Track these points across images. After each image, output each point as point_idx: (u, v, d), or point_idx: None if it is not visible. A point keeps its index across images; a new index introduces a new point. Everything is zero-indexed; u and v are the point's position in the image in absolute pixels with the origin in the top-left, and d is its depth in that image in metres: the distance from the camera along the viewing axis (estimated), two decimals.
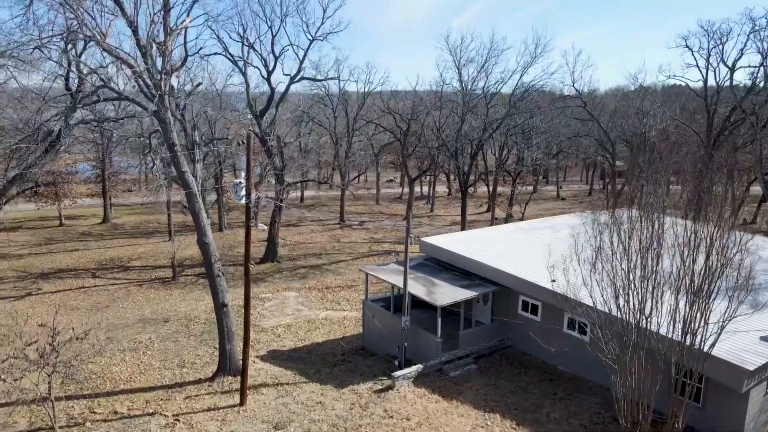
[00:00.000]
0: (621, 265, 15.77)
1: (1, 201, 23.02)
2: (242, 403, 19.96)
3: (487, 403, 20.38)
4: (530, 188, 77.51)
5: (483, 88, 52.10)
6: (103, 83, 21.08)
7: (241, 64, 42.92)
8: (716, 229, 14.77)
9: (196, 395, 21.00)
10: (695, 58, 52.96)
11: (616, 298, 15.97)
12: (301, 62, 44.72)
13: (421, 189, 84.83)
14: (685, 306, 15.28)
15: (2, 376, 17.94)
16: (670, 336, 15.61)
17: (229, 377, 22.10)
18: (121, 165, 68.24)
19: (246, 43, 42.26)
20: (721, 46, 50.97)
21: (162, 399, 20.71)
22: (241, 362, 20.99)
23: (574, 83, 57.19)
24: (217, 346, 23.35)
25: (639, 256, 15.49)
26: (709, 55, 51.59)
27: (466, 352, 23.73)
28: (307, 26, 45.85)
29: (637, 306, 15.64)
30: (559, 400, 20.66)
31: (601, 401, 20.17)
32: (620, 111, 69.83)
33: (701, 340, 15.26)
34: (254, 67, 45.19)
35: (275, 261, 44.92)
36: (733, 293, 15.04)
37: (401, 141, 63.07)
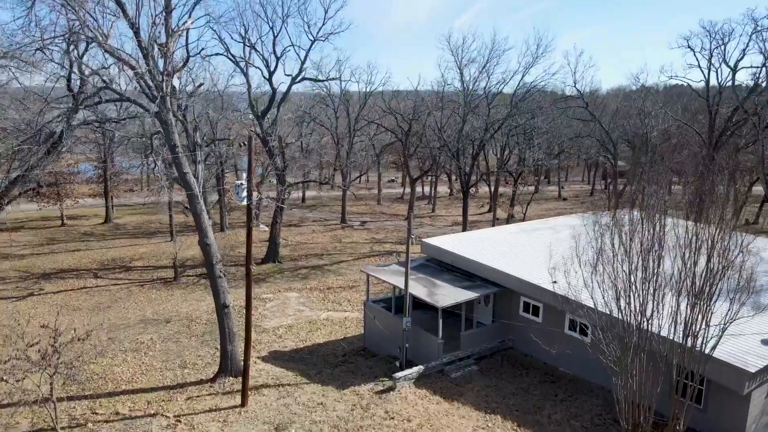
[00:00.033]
0: (622, 267, 15.76)
1: (4, 202, 23.07)
2: (243, 404, 19.98)
3: (488, 404, 20.39)
4: (532, 188, 77.48)
5: (484, 88, 52.16)
6: (104, 84, 21.13)
7: (242, 64, 43.02)
8: (717, 231, 14.75)
9: (198, 396, 21.03)
10: (697, 59, 52.90)
11: (618, 299, 15.96)
12: (303, 63, 44.84)
13: (423, 189, 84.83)
14: (687, 308, 15.27)
15: (4, 377, 17.99)
16: (671, 338, 15.60)
17: (231, 378, 22.13)
18: (123, 165, 68.39)
19: (247, 44, 42.36)
20: (723, 47, 50.99)
21: (163, 400, 20.75)
22: (242, 363, 21.01)
23: (575, 84, 57.24)
24: (219, 346, 23.39)
25: (640, 258, 15.48)
26: (711, 55, 51.59)
27: (468, 354, 23.73)
28: (309, 27, 46.41)
29: (638, 308, 15.62)
30: (560, 401, 20.66)
31: (602, 403, 20.16)
32: (622, 111, 69.80)
33: (702, 342, 15.24)
34: (256, 67, 45.25)
35: (277, 261, 44.95)
36: (734, 295, 15.02)
37: (403, 141, 63.08)
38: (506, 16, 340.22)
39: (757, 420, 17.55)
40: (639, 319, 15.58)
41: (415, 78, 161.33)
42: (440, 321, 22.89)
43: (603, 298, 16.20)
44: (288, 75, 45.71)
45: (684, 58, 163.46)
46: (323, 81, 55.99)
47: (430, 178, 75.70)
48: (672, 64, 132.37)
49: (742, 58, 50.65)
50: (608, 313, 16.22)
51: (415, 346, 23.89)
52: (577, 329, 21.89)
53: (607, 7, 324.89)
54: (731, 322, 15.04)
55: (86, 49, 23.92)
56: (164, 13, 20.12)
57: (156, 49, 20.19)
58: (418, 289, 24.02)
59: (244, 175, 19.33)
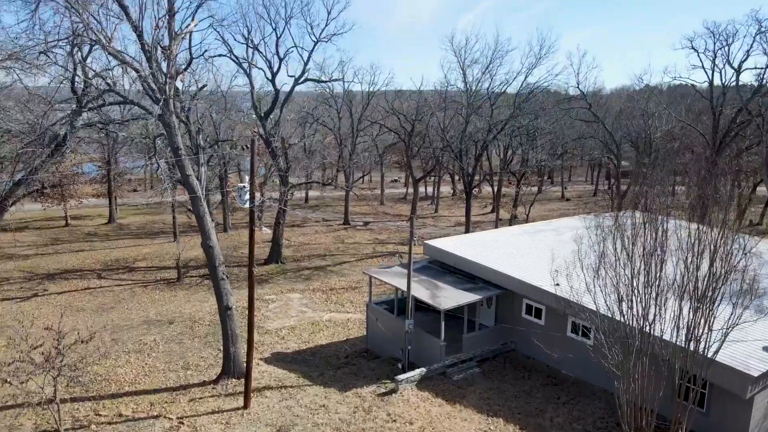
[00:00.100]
0: (624, 270, 15.74)
1: (8, 203, 23.17)
2: (246, 406, 20.02)
3: (490, 407, 20.38)
4: (535, 189, 77.38)
5: (488, 89, 52.11)
6: (108, 87, 21.20)
7: (245, 65, 43.06)
8: (720, 235, 14.71)
9: (200, 398, 21.08)
10: (701, 60, 52.54)
11: (620, 303, 15.94)
12: (306, 63, 44.88)
13: (426, 189, 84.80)
14: (689, 312, 15.23)
15: (8, 379, 18.09)
16: (673, 342, 15.57)
17: (233, 380, 22.18)
18: (127, 165, 68.53)
19: (251, 45, 42.40)
20: (726, 48, 50.71)
21: (166, 401, 20.81)
22: (245, 365, 21.05)
23: (578, 84, 57.10)
24: (222, 348, 23.44)
25: (642, 261, 15.46)
26: (715, 56, 51.35)
27: (470, 356, 23.73)
28: (312, 28, 46.10)
29: (640, 312, 15.60)
30: (563, 404, 20.65)
31: (604, 406, 20.13)
32: (625, 112, 69.54)
33: (705, 346, 15.21)
34: (259, 68, 45.44)
35: (279, 262, 44.99)
36: (737, 299, 14.98)
37: (406, 141, 63.04)
38: (508, 15, 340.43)
39: (759, 424, 17.50)
40: (641, 322, 15.57)
41: (418, 78, 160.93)
42: (443, 323, 22.89)
43: (605, 301, 16.19)
44: (291, 76, 45.76)
45: (688, 59, 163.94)
46: (326, 82, 56.11)
47: (433, 178, 75.67)
48: (676, 64, 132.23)
49: (746, 59, 50.41)
50: (610, 316, 16.21)
51: (417, 348, 23.90)
52: (580, 332, 21.86)
53: (606, 7, 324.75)
54: (734, 327, 15.00)
55: (90, 52, 24.00)
56: (167, 16, 20.21)
57: (159, 51, 20.27)
58: (420, 291, 24.03)
59: (247, 178, 19.39)
